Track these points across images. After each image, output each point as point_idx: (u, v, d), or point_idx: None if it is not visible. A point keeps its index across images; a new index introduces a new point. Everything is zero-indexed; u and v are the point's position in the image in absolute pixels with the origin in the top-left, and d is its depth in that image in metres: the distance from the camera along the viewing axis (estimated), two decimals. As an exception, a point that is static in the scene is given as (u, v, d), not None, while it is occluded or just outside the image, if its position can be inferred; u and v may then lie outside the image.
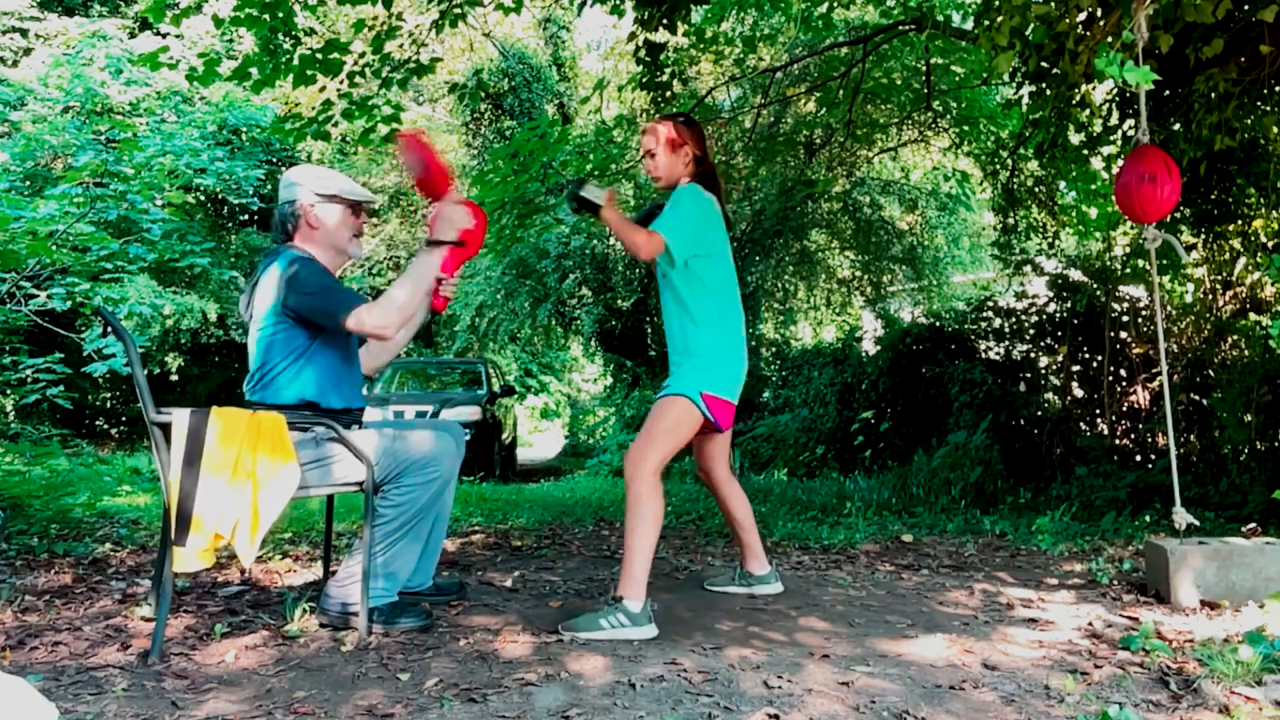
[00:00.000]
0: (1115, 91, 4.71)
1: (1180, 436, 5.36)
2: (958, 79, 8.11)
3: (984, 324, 6.97)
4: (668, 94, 6.18)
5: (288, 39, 5.32)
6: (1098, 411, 5.99)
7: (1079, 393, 6.12)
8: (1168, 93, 4.22)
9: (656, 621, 2.44)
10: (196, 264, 10.45)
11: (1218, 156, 4.28)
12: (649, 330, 12.51)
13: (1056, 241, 7.14)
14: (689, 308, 2.62)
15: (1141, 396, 5.79)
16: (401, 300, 2.35)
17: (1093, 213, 6.82)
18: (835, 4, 6.95)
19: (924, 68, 7.56)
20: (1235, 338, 5.21)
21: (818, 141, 9.74)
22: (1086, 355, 6.10)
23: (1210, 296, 5.47)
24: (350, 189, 2.52)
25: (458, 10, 5.56)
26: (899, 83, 8.30)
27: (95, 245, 5.25)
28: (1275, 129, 4.14)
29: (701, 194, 2.62)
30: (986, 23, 3.37)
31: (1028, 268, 6.66)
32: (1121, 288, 5.94)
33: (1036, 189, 7.40)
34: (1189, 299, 5.60)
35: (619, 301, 12.00)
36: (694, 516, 4.94)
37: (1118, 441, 5.77)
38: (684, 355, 2.63)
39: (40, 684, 1.86)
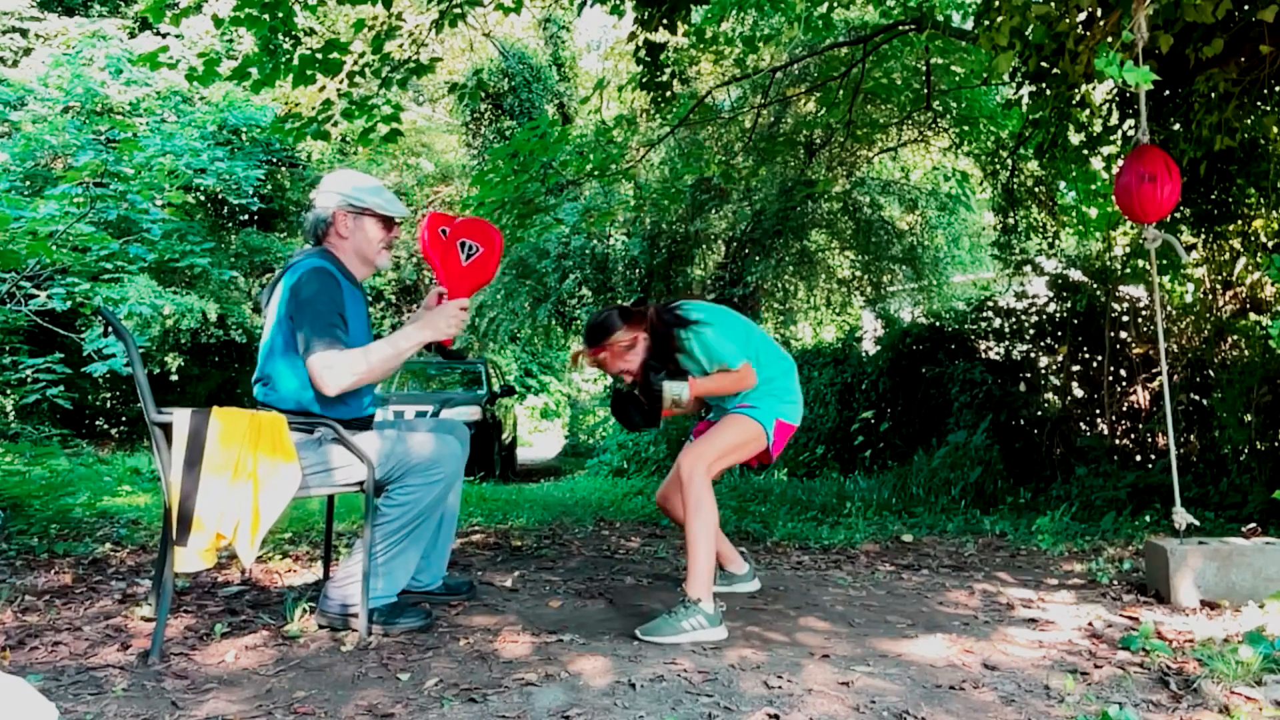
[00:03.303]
0: (1115, 91, 4.71)
1: (1180, 436, 5.36)
2: (958, 79, 8.10)
3: (984, 324, 6.96)
4: (668, 94, 6.17)
5: (288, 39, 5.31)
6: (1098, 411, 5.99)
7: (1079, 393, 6.12)
8: (1168, 93, 4.22)
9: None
10: (196, 264, 10.46)
11: (1218, 156, 4.28)
12: (649, 330, 12.47)
13: (1056, 241, 7.14)
14: (762, 370, 2.71)
15: (1141, 396, 5.79)
16: (364, 368, 2.32)
17: (1093, 213, 6.82)
18: (835, 4, 6.95)
19: (924, 68, 7.55)
20: (1235, 338, 5.21)
21: (818, 141, 9.74)
22: (1086, 355, 6.09)
23: (1210, 296, 5.46)
24: (383, 203, 2.52)
25: (458, 10, 5.56)
26: (899, 83, 8.30)
27: (95, 245, 5.25)
28: (1275, 129, 4.13)
29: (707, 321, 2.65)
30: (986, 23, 3.37)
31: (1028, 268, 6.66)
32: (1121, 288, 5.93)
33: (1036, 189, 7.40)
34: (1189, 299, 5.60)
35: (619, 302, 11.99)
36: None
37: (1118, 441, 5.77)
38: (765, 386, 2.70)
39: (40, 684, 1.86)
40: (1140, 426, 5.72)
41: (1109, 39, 2.97)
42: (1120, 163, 3.52)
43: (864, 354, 8.64)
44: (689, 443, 2.80)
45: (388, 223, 2.55)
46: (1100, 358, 5.91)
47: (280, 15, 4.76)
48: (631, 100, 8.57)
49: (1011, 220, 7.32)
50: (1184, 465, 5.11)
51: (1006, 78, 5.15)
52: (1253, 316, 5.18)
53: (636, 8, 5.66)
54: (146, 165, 6.23)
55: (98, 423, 13.20)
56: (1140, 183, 3.00)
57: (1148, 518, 4.45)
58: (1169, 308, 5.59)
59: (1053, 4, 2.97)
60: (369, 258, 2.54)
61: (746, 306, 10.45)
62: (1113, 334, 5.85)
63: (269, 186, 13.05)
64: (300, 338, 2.31)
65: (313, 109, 5.52)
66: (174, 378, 12.53)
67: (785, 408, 2.69)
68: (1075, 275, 6.24)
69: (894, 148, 10.23)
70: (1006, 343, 6.75)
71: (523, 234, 6.88)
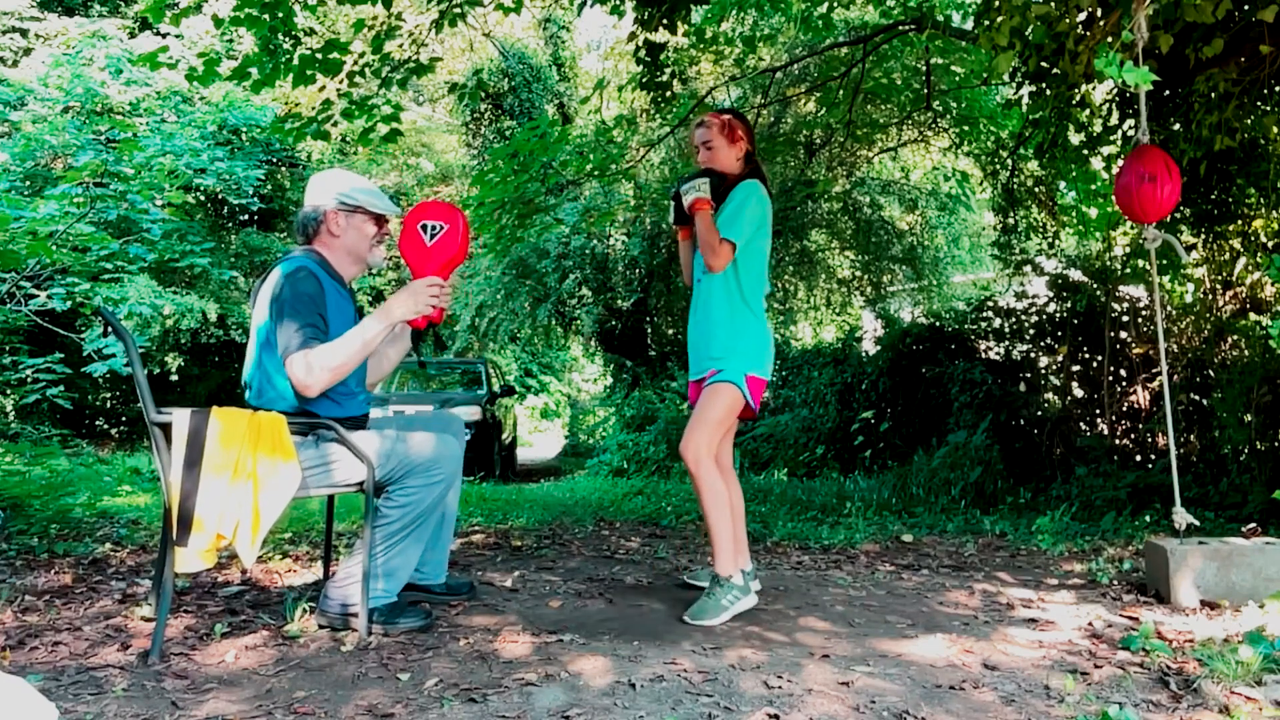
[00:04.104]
0: (1115, 91, 4.71)
1: (1180, 436, 5.36)
2: (958, 79, 8.10)
3: (984, 324, 6.96)
4: (668, 94, 6.17)
5: (288, 39, 5.31)
6: (1098, 411, 5.99)
7: (1079, 393, 6.12)
8: (1168, 93, 4.22)
9: (657, 622, 2.44)
10: (196, 264, 10.46)
11: (1218, 156, 4.28)
12: (649, 330, 12.50)
13: (1056, 241, 7.14)
14: (744, 289, 2.71)
15: (1141, 396, 5.79)
16: (339, 361, 2.29)
17: (1093, 213, 6.82)
18: (835, 4, 6.95)
19: (924, 68, 7.56)
20: (1235, 338, 5.21)
21: (818, 141, 9.75)
22: (1086, 355, 6.10)
23: (1210, 296, 5.46)
24: (375, 201, 2.51)
25: (458, 10, 5.56)
26: (899, 83, 8.30)
27: (95, 245, 5.25)
28: (1275, 129, 4.13)
29: (762, 194, 2.73)
30: (986, 23, 3.37)
31: (1028, 268, 6.66)
32: (1121, 288, 5.93)
33: (1036, 189, 7.40)
34: (1189, 299, 5.60)
35: (619, 301, 12.00)
36: (694, 516, 4.94)
37: (1118, 441, 5.77)
38: (734, 337, 2.71)
39: (40, 684, 1.86)
40: (1140, 426, 5.72)
41: (1109, 39, 2.97)
42: (1120, 163, 3.52)
43: (864, 354, 8.64)
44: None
45: (380, 221, 2.55)
46: (1100, 358, 5.91)
47: (280, 15, 4.76)
48: (631, 100, 8.57)
49: (1011, 220, 7.32)
50: (1184, 465, 5.11)
51: (1006, 78, 5.15)
52: (1253, 316, 5.18)
53: (636, 8, 5.66)
54: (146, 165, 6.22)
55: (98, 423, 13.21)
56: (1140, 183, 3.00)
57: (1148, 518, 4.45)
58: (1169, 308, 5.59)
59: (1053, 4, 2.97)
60: (361, 256, 2.54)
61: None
62: (1113, 334, 5.85)
63: (269, 186, 13.06)
64: (280, 339, 2.30)
65: (313, 109, 5.51)
66: (174, 378, 12.54)
67: (752, 363, 2.70)
68: (1075, 275, 6.24)
69: (894, 148, 10.23)
70: (1006, 343, 6.76)
71: (523, 234, 6.87)
